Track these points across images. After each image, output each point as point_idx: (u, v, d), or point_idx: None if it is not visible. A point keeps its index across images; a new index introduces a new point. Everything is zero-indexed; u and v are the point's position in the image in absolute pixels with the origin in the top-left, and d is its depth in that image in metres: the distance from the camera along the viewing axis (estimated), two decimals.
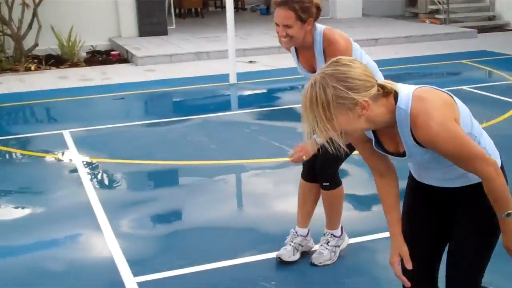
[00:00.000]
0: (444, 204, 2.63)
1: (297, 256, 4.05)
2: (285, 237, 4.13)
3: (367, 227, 4.53)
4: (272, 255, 4.13)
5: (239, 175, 5.94)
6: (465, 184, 2.52)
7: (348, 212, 4.56)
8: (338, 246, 4.05)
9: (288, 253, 4.03)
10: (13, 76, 11.35)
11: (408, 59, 11.29)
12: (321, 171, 3.85)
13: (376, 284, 3.81)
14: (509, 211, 2.37)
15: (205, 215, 4.90)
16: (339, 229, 4.07)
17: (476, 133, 2.47)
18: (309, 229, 4.11)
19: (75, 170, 6.01)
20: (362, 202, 5.07)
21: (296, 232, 4.10)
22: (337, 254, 4.04)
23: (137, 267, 4.05)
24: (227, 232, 4.62)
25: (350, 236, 4.24)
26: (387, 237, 2.69)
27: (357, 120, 2.29)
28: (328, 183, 3.88)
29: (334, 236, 4.03)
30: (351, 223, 4.46)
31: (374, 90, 2.30)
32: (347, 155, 3.69)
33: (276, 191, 5.41)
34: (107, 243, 4.42)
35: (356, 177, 5.53)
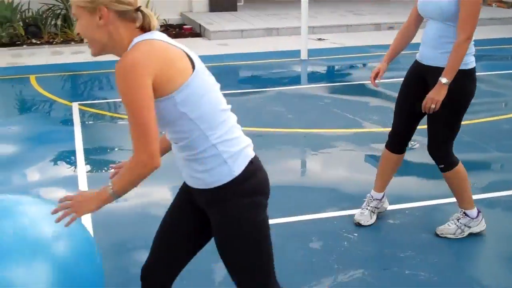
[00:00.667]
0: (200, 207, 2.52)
1: (373, 219, 4.40)
2: (363, 199, 4.54)
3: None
4: (351, 212, 4.57)
5: (317, 142, 6.38)
6: (201, 187, 2.40)
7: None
8: (469, 227, 4.17)
9: (365, 217, 4.38)
10: None
11: (477, 42, 11.46)
12: (433, 155, 4.08)
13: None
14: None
15: (290, 176, 5.38)
16: (474, 210, 4.16)
17: (193, 112, 2.24)
18: (384, 192, 4.45)
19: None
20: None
21: (372, 196, 4.44)
22: (465, 234, 4.14)
23: None
24: (310, 190, 5.08)
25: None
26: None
27: (95, 28, 2.19)
28: (442, 165, 4.05)
29: (467, 215, 4.17)
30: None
31: (125, 8, 2.18)
32: (453, 133, 3.94)
33: (352, 157, 5.83)
34: None
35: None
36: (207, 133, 2.30)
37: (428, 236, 4.21)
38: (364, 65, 10.45)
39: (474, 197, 4.32)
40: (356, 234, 4.25)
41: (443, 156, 4.04)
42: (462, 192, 4.15)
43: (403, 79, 4.20)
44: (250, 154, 2.42)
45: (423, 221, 4.44)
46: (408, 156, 5.74)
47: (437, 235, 4.21)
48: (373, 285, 3.62)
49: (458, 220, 4.20)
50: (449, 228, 4.20)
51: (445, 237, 4.17)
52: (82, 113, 7.37)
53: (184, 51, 2.28)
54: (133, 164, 2.18)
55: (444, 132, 3.97)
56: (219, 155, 2.32)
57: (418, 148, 5.93)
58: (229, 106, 2.45)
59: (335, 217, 4.55)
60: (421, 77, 4.02)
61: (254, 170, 2.39)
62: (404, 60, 10.50)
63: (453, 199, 4.66)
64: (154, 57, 2.14)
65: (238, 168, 2.34)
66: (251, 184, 2.37)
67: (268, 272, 2.47)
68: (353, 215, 4.50)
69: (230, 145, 2.34)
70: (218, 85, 2.43)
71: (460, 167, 4.07)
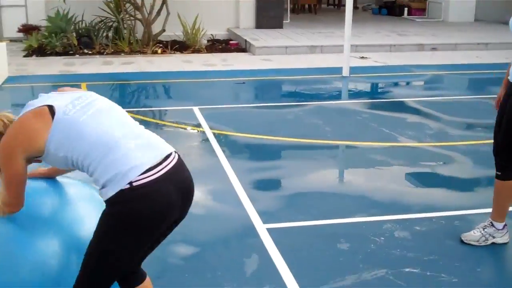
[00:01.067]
0: None
1: (482, 243, 4.31)
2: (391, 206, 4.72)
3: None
4: (379, 218, 4.79)
5: (352, 153, 6.61)
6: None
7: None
8: (493, 237, 4.34)
9: (472, 237, 4.38)
10: (143, 58, 12.45)
11: None
12: (496, 159, 4.23)
13: None
14: None
15: (323, 182, 5.61)
16: (502, 223, 4.31)
17: (78, 155, 2.58)
18: (505, 224, 4.36)
19: (206, 140, 6.86)
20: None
21: (492, 223, 4.36)
22: (488, 242, 4.33)
23: (265, 217, 4.80)
24: (342, 197, 5.30)
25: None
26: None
27: None
28: (500, 173, 4.19)
29: (493, 226, 4.35)
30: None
31: None
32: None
33: (385, 168, 6.02)
34: (239, 197, 5.19)
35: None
36: (90, 163, 2.58)
37: (453, 243, 4.39)
38: (407, 83, 10.64)
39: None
40: (383, 238, 4.46)
41: (501, 164, 4.17)
42: (501, 206, 4.30)
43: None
44: (129, 179, 2.53)
45: (448, 229, 4.61)
46: (438, 169, 5.93)
47: (461, 241, 4.38)
48: (394, 284, 3.82)
49: (484, 228, 4.37)
50: (474, 235, 4.37)
51: (469, 244, 4.34)
52: None
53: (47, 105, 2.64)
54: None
55: (503, 139, 4.12)
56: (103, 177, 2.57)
57: (448, 163, 6.11)
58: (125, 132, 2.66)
59: (364, 222, 4.76)
60: None
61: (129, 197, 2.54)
62: (447, 80, 10.68)
63: (479, 211, 4.85)
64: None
65: (112, 191, 2.54)
66: (119, 210, 2.55)
67: (92, 283, 2.63)
68: (381, 221, 4.71)
69: (110, 171, 2.54)
70: (112, 111, 2.73)
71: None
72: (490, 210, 4.43)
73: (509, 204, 4.34)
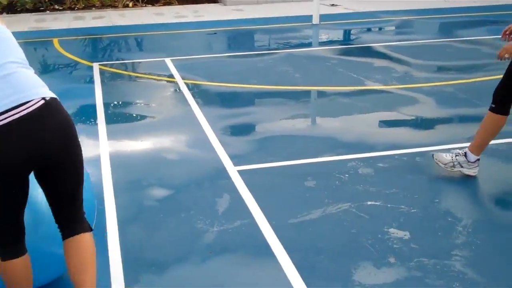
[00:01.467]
0: None
1: (448, 168, 4.57)
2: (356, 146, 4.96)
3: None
4: (345, 157, 5.03)
5: (321, 97, 6.82)
6: None
7: None
8: (462, 167, 4.50)
9: (442, 159, 4.61)
10: (114, 12, 12.46)
11: (482, 8, 11.79)
12: (495, 92, 4.35)
13: None
14: None
15: (292, 125, 5.83)
16: (476, 157, 4.48)
17: None
18: (479, 159, 4.52)
19: (179, 90, 7.02)
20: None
21: (465, 153, 4.53)
22: (454, 169, 4.52)
23: (236, 159, 5.01)
24: (310, 138, 5.52)
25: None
26: None
27: None
28: (494, 105, 4.31)
29: (466, 157, 4.49)
30: None
31: None
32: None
33: (352, 110, 6.24)
34: (211, 142, 5.39)
35: None
36: None
37: (413, 177, 4.65)
38: (376, 29, 10.81)
39: (463, 145, 4.75)
40: (347, 176, 4.70)
41: (496, 98, 4.31)
42: (483, 139, 4.46)
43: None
44: None
45: (410, 165, 4.87)
46: (403, 110, 6.18)
47: (432, 155, 4.70)
48: (357, 216, 4.07)
49: (456, 156, 4.59)
50: (444, 158, 4.62)
51: (437, 164, 4.65)
52: (102, 73, 7.85)
53: None
54: None
55: (503, 81, 4.30)
56: None
57: (412, 104, 6.36)
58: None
59: (330, 161, 4.99)
60: None
61: None
62: (415, 25, 10.84)
63: (440, 147, 5.12)
64: None
65: None
66: None
67: None
68: (346, 160, 4.95)
69: None
70: None
71: (501, 120, 4.34)
72: (451, 146, 4.68)
73: (490, 140, 4.50)
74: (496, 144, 5.05)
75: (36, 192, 2.91)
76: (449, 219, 4.00)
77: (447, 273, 3.40)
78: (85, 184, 2.88)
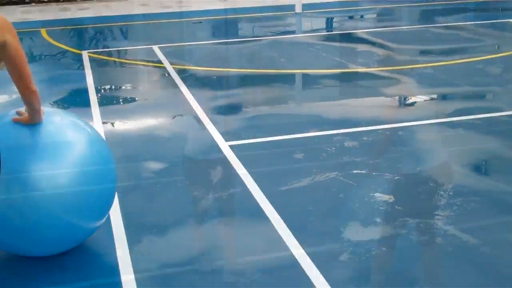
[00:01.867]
0: None
1: None
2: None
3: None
4: (331, 132, 5.27)
5: (306, 79, 7.06)
6: None
7: None
8: None
9: None
10: (99, 3, 12.62)
11: None
12: None
13: None
14: None
15: (280, 105, 6.07)
16: None
17: None
18: None
19: (168, 74, 7.23)
20: None
21: None
22: None
23: (227, 136, 5.23)
24: (297, 116, 5.76)
25: None
26: None
27: None
28: None
29: None
30: None
31: None
32: None
33: (336, 91, 6.50)
34: (202, 121, 5.61)
35: None
36: None
37: (397, 149, 4.90)
38: (358, 16, 11.07)
39: (443, 120, 5.02)
40: (334, 148, 4.94)
41: None
42: None
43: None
44: None
45: (393, 138, 5.12)
46: (385, 89, 6.44)
47: None
48: (344, 183, 4.31)
49: None
50: None
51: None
52: (92, 60, 8.02)
53: None
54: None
55: None
56: None
57: (394, 84, 6.62)
58: None
59: (317, 136, 5.23)
60: None
61: None
62: (397, 12, 11.11)
63: (420, 122, 5.38)
64: None
65: None
66: None
67: None
68: (332, 135, 5.20)
69: None
70: None
71: None
72: (431, 121, 4.93)
73: None
74: (473, 118, 5.33)
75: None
76: (431, 184, 4.25)
77: (430, 230, 3.65)
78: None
